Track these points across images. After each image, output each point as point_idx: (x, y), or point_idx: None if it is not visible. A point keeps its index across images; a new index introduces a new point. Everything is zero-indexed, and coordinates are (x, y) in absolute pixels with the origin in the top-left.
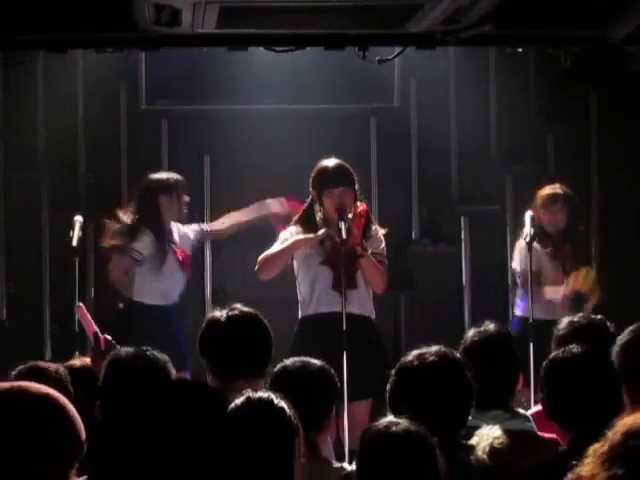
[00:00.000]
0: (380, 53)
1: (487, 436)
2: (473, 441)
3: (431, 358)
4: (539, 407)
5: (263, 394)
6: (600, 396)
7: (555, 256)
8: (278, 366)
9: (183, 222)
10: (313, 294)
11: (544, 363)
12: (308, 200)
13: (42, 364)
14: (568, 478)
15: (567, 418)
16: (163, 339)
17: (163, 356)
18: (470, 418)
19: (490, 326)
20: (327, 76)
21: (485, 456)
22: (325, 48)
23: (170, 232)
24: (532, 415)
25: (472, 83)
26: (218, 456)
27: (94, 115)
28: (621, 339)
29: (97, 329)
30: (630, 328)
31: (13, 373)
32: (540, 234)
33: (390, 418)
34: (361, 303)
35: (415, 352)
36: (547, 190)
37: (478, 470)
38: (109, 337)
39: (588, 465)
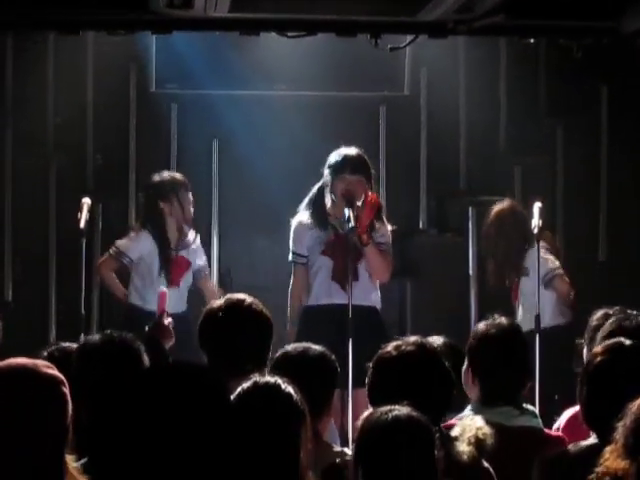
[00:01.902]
0: (391, 41)
1: (470, 427)
2: (455, 432)
3: (408, 348)
4: (570, 413)
5: (270, 379)
6: None
7: None
8: (279, 352)
9: (189, 223)
10: (314, 284)
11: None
12: (319, 184)
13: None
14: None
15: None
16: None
17: (132, 337)
18: (475, 413)
19: (501, 320)
20: (338, 63)
21: (469, 447)
22: (337, 35)
23: (183, 237)
24: (565, 423)
25: (482, 73)
26: (224, 440)
27: (103, 98)
28: None
29: (167, 310)
30: None
31: (45, 353)
32: None
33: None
34: (365, 294)
35: (393, 343)
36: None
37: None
38: (171, 321)
39: (612, 457)
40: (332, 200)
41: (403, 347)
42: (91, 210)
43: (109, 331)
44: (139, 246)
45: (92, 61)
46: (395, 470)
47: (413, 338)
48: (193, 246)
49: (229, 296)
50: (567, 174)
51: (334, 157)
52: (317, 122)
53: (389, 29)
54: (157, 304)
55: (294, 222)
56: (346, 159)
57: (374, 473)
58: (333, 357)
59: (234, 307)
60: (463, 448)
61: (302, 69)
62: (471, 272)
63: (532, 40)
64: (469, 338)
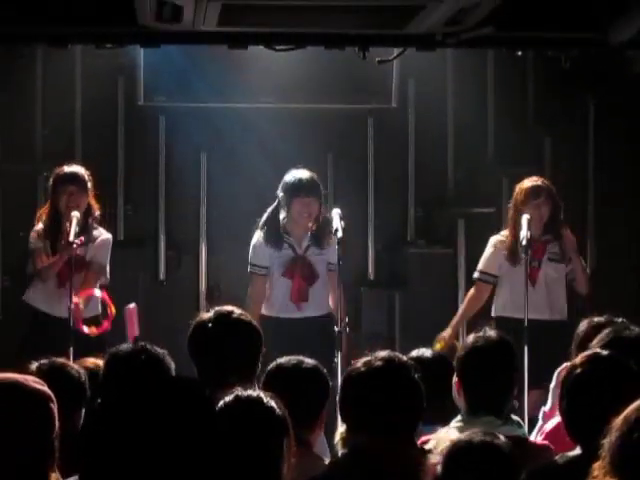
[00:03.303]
0: (379, 53)
1: (444, 439)
2: (430, 445)
3: (377, 363)
4: (554, 422)
5: (252, 392)
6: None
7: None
8: (273, 364)
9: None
10: (274, 299)
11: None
12: (273, 205)
13: (63, 362)
14: None
15: (589, 431)
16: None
17: (161, 350)
18: (462, 424)
19: (491, 332)
20: (325, 76)
21: None
22: (325, 47)
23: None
24: (549, 431)
25: (470, 84)
26: (205, 453)
27: (92, 110)
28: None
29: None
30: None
31: (33, 368)
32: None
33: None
34: (317, 307)
35: (362, 359)
36: (528, 183)
37: None
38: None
39: (600, 474)
40: (285, 219)
41: (372, 362)
42: (80, 223)
43: (141, 343)
44: (34, 242)
45: (80, 73)
46: None
47: (383, 353)
48: (95, 243)
49: (218, 308)
50: (555, 185)
51: (290, 179)
52: (306, 135)
53: (377, 42)
54: (127, 324)
55: (254, 238)
56: (302, 182)
57: None
58: (325, 370)
59: (223, 318)
60: (436, 460)
61: (290, 82)
62: (460, 284)
63: (520, 52)
64: (458, 350)
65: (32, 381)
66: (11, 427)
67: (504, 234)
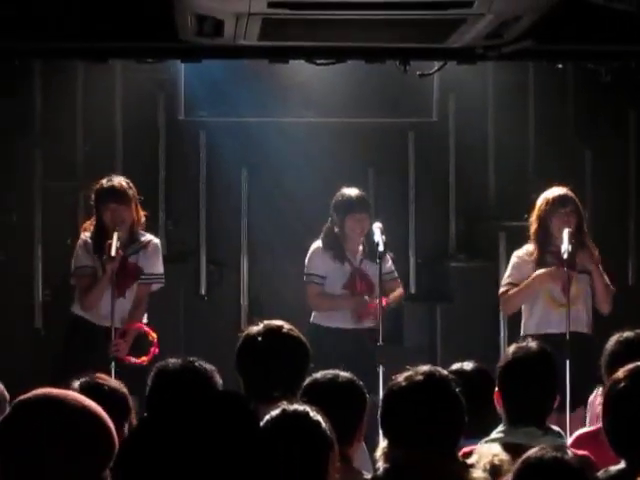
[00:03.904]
0: (419, 67)
1: (486, 454)
2: (472, 459)
3: (417, 378)
4: (583, 430)
5: (299, 407)
6: None
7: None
8: (308, 379)
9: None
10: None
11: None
12: (328, 223)
13: (103, 377)
14: None
15: (633, 445)
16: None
17: (210, 367)
18: (503, 435)
19: (531, 343)
20: (365, 90)
21: (484, 474)
22: (366, 61)
23: (128, 242)
24: (577, 438)
25: (511, 98)
26: (250, 467)
27: (132, 125)
28: None
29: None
30: None
31: (75, 386)
32: (545, 245)
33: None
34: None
35: (404, 373)
36: (553, 193)
37: None
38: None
39: None
40: (341, 236)
41: (413, 377)
42: (120, 238)
43: (191, 358)
44: (80, 256)
45: (121, 88)
46: None
47: (424, 367)
48: (144, 251)
49: (267, 322)
50: (596, 198)
51: (342, 198)
52: (346, 149)
53: (418, 55)
54: None
55: (313, 246)
56: (353, 199)
57: None
58: (361, 383)
59: (273, 332)
60: (478, 474)
61: (330, 96)
62: None
63: (560, 65)
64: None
65: (93, 405)
66: (72, 449)
67: (527, 249)
